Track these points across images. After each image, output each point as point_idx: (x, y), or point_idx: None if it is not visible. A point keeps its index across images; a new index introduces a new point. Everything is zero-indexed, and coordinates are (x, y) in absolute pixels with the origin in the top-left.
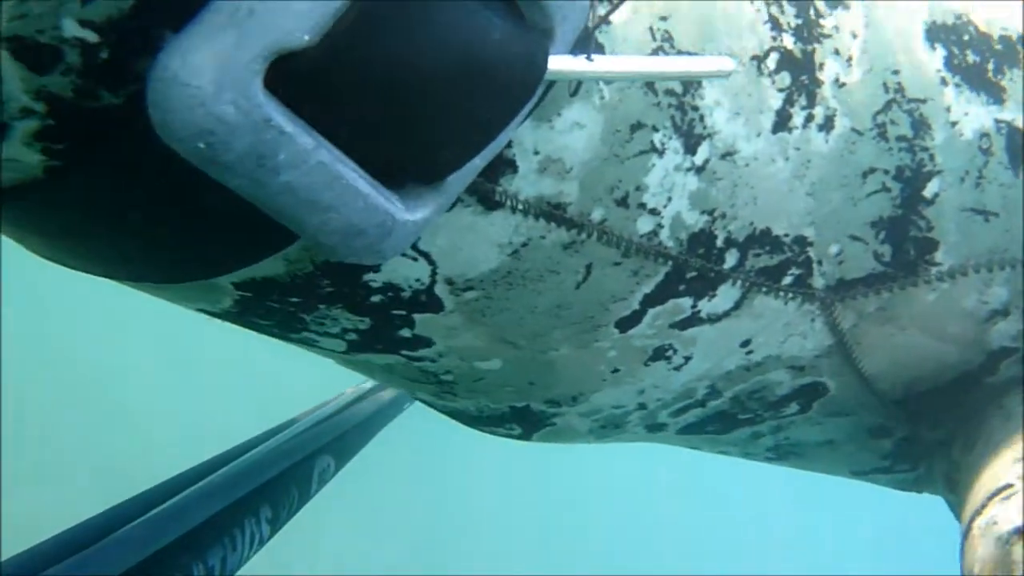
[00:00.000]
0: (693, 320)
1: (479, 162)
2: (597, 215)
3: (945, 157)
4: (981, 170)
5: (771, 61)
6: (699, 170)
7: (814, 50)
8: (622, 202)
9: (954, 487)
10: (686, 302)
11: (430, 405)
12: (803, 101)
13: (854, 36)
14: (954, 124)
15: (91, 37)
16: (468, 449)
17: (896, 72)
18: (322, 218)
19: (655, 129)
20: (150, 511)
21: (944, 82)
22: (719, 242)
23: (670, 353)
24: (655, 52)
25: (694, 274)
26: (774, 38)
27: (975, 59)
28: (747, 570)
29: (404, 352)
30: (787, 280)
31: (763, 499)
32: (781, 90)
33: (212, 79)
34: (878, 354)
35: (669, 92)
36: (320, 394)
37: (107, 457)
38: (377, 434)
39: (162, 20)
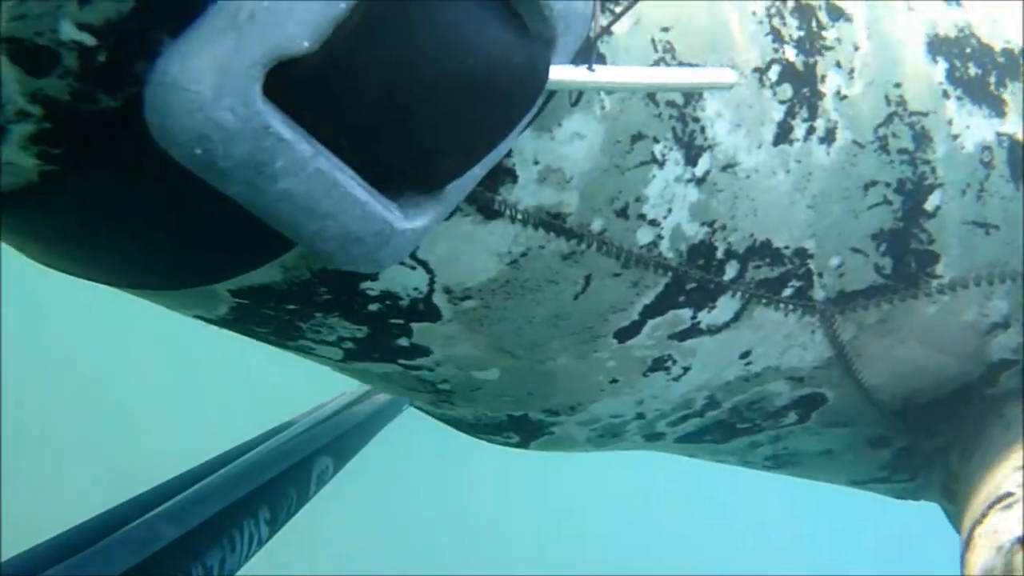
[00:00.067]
0: (692, 331)
1: (479, 171)
2: (597, 226)
3: (946, 170)
4: (982, 183)
5: (773, 73)
6: (700, 181)
7: (816, 62)
8: (622, 213)
9: (952, 496)
10: (686, 313)
11: (428, 413)
12: (805, 113)
13: (856, 48)
14: (956, 137)
15: (89, 40)
16: (467, 451)
17: (898, 85)
18: (320, 225)
19: (656, 140)
20: (149, 512)
21: (946, 95)
22: (719, 254)
23: (669, 364)
24: (657, 63)
25: (694, 285)
26: (776, 50)
27: (977, 72)
28: None
29: (401, 361)
30: (787, 292)
31: (761, 507)
32: (783, 102)
33: (212, 84)
34: (878, 366)
35: (670, 103)
36: (319, 395)
37: (107, 458)
38: (376, 435)
39: (160, 23)
